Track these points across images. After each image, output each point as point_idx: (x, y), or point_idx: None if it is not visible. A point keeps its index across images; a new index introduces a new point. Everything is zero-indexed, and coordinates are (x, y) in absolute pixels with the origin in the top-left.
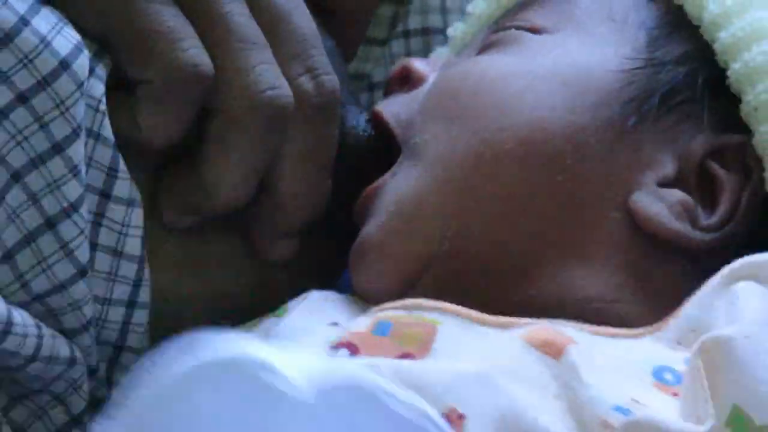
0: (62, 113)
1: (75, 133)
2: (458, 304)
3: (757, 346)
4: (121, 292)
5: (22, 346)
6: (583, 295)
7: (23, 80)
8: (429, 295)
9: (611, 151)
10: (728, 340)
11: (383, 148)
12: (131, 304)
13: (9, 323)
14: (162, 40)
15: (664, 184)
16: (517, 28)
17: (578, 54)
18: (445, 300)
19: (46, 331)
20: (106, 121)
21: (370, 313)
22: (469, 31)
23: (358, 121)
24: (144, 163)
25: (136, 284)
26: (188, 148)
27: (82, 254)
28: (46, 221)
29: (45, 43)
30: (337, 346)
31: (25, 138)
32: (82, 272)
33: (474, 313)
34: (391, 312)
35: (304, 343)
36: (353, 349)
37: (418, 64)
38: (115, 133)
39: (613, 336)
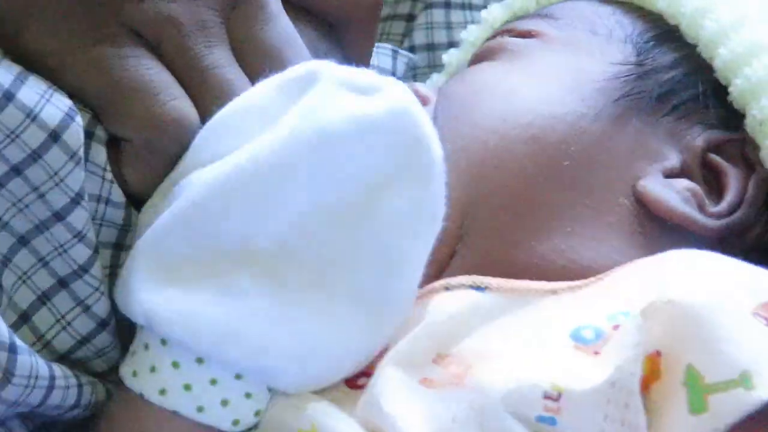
0: (57, 184)
1: (74, 202)
2: None
3: (714, 311)
4: None
5: (65, 398)
6: (586, 273)
7: (14, 154)
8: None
9: (612, 141)
10: (686, 303)
11: None
12: None
13: (52, 377)
14: (138, 96)
15: (669, 175)
16: (508, 35)
17: (565, 57)
18: None
19: (84, 379)
20: (115, 187)
21: None
22: (482, 37)
23: None
24: None
25: None
26: None
27: (101, 308)
28: (58, 281)
29: (32, 116)
30: None
31: (26, 206)
32: (103, 324)
33: None
34: None
35: None
36: None
37: (420, 87)
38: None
39: (538, 295)
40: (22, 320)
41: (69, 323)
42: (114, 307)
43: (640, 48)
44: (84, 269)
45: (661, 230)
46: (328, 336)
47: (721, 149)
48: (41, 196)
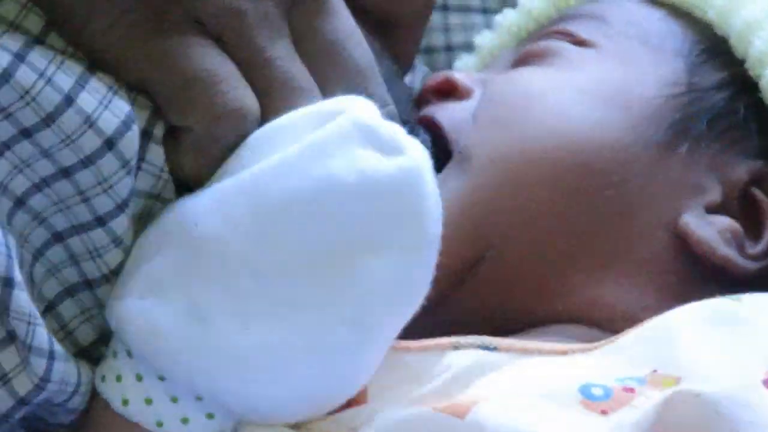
0: (105, 190)
1: (119, 208)
2: (493, 313)
3: (735, 408)
4: None
5: (82, 403)
6: (611, 312)
7: (66, 158)
8: (470, 301)
9: (658, 171)
10: (706, 399)
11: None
12: None
13: (78, 384)
14: (200, 85)
15: (710, 209)
16: (558, 38)
17: (618, 74)
18: (482, 308)
19: None
20: (170, 186)
21: None
22: (498, 40)
23: (419, 135)
24: None
25: None
26: None
27: None
28: (85, 281)
29: (89, 122)
30: None
31: (68, 207)
32: None
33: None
34: None
35: None
36: None
37: (462, 78)
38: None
39: (547, 353)
40: (47, 310)
41: (93, 316)
42: None
43: (691, 64)
44: (114, 273)
45: (694, 267)
46: (282, 374)
47: (763, 181)
48: (86, 200)
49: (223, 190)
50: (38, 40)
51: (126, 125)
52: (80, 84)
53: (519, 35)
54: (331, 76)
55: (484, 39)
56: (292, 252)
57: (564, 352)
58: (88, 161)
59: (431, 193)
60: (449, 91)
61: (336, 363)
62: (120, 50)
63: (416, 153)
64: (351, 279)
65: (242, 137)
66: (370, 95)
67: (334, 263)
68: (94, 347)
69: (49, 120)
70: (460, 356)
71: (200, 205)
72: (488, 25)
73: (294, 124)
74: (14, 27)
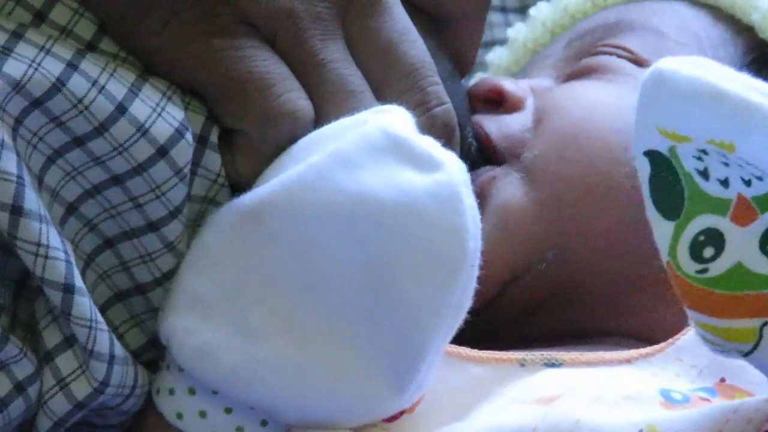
0: (158, 197)
1: (171, 215)
2: (534, 323)
3: None
4: None
5: (136, 404)
6: (666, 333)
7: (118, 165)
8: (514, 307)
9: None
10: None
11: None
12: None
13: (133, 386)
14: (254, 88)
15: None
16: (619, 56)
17: None
18: (523, 317)
19: None
20: (225, 191)
21: None
22: (531, 34)
23: (470, 137)
24: None
25: None
26: None
27: None
28: (136, 287)
29: (142, 130)
30: None
31: (119, 213)
32: None
33: (464, 351)
34: None
35: None
36: None
37: (512, 88)
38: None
39: (612, 363)
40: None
41: (143, 322)
42: None
43: None
44: (166, 278)
45: None
46: (336, 387)
47: None
48: (138, 206)
49: (261, 199)
50: (91, 46)
51: (179, 133)
52: (133, 91)
53: (553, 30)
54: (386, 78)
55: (517, 32)
56: (330, 269)
57: (629, 360)
58: (140, 168)
59: (470, 208)
60: (497, 100)
61: (387, 379)
62: (171, 51)
63: (453, 167)
64: (393, 299)
65: (296, 140)
66: (424, 96)
67: (374, 283)
68: (145, 351)
69: (102, 129)
70: (528, 374)
71: (237, 215)
72: (508, 24)
73: (337, 132)
74: (66, 33)
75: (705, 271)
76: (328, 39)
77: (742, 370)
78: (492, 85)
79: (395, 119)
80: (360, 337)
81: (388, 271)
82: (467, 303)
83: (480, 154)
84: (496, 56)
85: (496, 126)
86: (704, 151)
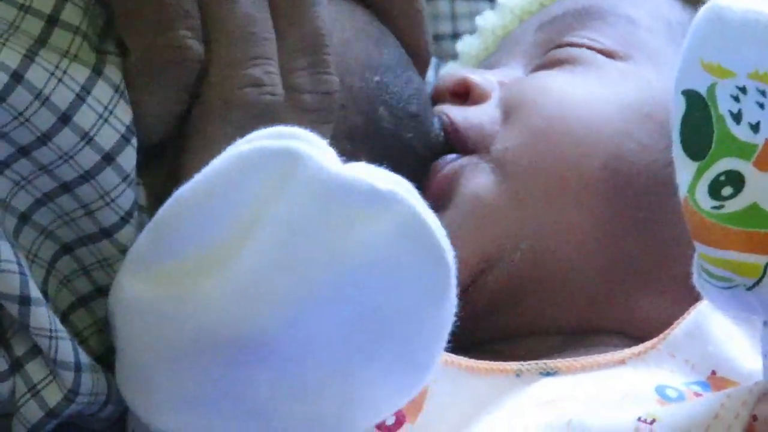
0: (107, 203)
1: (123, 220)
2: (509, 314)
3: None
4: None
5: (114, 412)
6: (649, 324)
7: (65, 173)
8: (485, 295)
9: None
10: None
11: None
12: None
13: (109, 393)
14: (156, 16)
15: None
16: (589, 48)
17: (656, 86)
18: (495, 309)
19: None
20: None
21: None
22: (501, 21)
23: (433, 124)
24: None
25: None
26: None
27: None
28: (97, 289)
29: (87, 138)
30: None
31: (72, 219)
32: None
33: (463, 361)
34: None
35: None
36: None
37: (479, 81)
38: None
39: (607, 366)
40: (61, 320)
41: (105, 326)
42: None
43: None
44: None
45: None
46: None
47: None
48: (90, 213)
49: (222, 292)
50: (43, 43)
51: (125, 139)
52: (81, 96)
53: (522, 17)
54: (290, 32)
55: (486, 20)
56: (319, 337)
57: (623, 361)
58: (88, 176)
59: (435, 224)
60: (464, 93)
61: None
62: None
63: (401, 192)
64: (393, 338)
65: (182, 79)
66: (317, 60)
67: (367, 333)
68: (110, 355)
69: (45, 138)
70: (524, 385)
71: (205, 314)
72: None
73: (239, 173)
74: (25, 10)
75: (721, 207)
76: None
77: (732, 362)
78: (458, 78)
79: (317, 159)
80: (364, 378)
81: (380, 317)
82: (454, 305)
83: (444, 144)
84: (465, 45)
85: (462, 116)
86: (743, 90)
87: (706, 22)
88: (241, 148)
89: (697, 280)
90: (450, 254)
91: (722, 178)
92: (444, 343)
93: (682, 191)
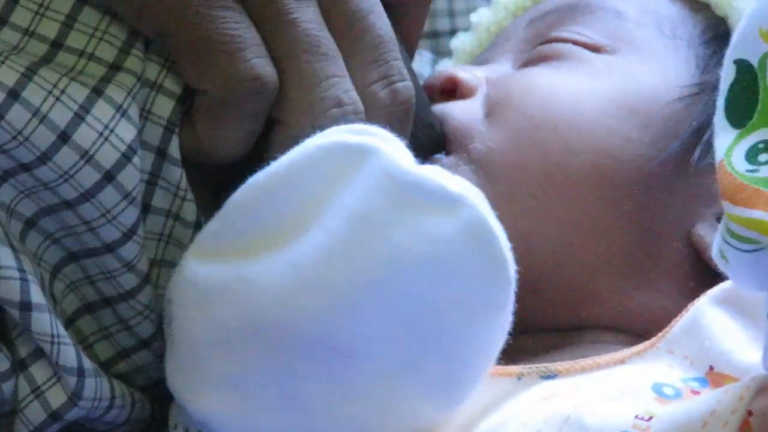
0: (109, 221)
1: (126, 237)
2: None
3: None
4: None
5: (119, 415)
6: (639, 318)
7: (66, 192)
8: None
9: (676, 182)
10: None
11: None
12: None
13: (112, 397)
14: (222, 49)
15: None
16: (575, 42)
17: (643, 79)
18: None
19: (137, 396)
20: (189, 206)
21: None
22: (495, 18)
23: (434, 119)
24: (212, 179)
25: None
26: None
27: (144, 330)
28: (103, 299)
29: (86, 157)
30: None
31: (76, 233)
32: (145, 343)
33: None
34: None
35: None
36: None
37: (466, 78)
38: (182, 146)
39: (606, 366)
40: (67, 324)
41: (111, 335)
42: (160, 329)
43: (701, 57)
44: (130, 295)
45: (711, 277)
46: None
47: None
48: (92, 229)
49: (282, 273)
50: (56, 44)
51: (126, 157)
52: (80, 115)
53: (515, 13)
54: (353, 47)
55: (480, 17)
56: (369, 333)
57: (622, 361)
58: (88, 194)
59: (501, 236)
60: (453, 90)
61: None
62: (140, 3)
63: (472, 197)
64: (441, 346)
65: (261, 107)
66: (388, 70)
67: (418, 336)
68: (113, 363)
69: (44, 158)
70: (524, 388)
71: (263, 294)
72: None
73: (314, 163)
74: (29, 35)
75: (756, 171)
76: (303, 1)
77: (728, 356)
78: (447, 76)
79: (391, 156)
80: (407, 389)
81: (434, 321)
82: (509, 323)
83: (431, 143)
84: (459, 42)
85: (450, 113)
86: None
87: None
88: (319, 140)
89: (719, 249)
90: (512, 269)
91: (761, 145)
92: (491, 364)
93: (719, 155)
